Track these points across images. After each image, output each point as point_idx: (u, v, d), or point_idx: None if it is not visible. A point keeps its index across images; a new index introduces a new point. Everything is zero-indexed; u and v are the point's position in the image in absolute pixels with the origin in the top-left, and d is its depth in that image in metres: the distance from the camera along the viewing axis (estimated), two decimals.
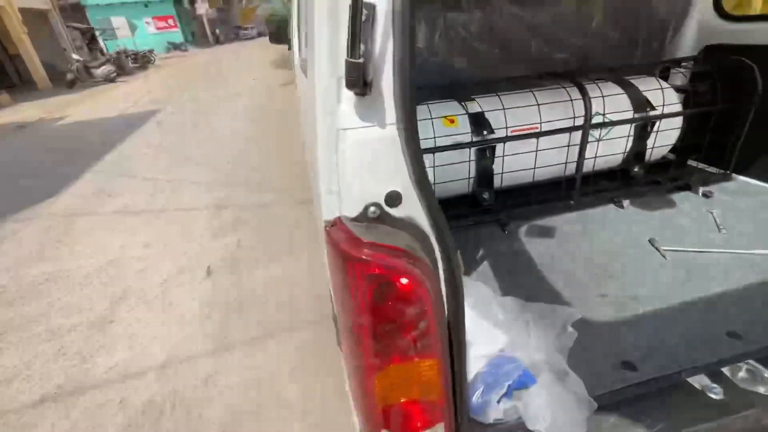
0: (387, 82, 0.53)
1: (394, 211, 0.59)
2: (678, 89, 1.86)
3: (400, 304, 0.55)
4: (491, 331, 0.98)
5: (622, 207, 1.72)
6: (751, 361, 1.03)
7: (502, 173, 1.63)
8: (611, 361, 1.01)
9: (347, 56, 0.48)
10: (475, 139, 1.52)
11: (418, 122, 1.50)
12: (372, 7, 0.50)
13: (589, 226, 1.61)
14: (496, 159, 1.58)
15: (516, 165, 1.62)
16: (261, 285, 2.59)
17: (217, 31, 36.87)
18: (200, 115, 7.91)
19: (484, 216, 1.65)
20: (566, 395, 0.88)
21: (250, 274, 2.72)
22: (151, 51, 20.30)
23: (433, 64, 1.66)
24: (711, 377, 1.01)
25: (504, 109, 1.55)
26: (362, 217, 0.58)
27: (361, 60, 0.48)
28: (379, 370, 0.60)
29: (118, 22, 22.90)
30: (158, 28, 31.48)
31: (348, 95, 0.53)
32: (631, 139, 1.73)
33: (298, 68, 1.83)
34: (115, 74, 13.94)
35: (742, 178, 1.84)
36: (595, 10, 1.73)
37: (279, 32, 3.34)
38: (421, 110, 1.57)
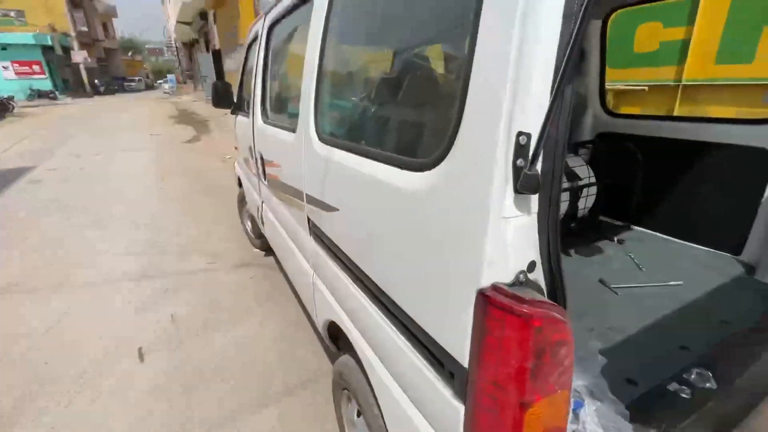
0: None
1: (530, 276, 0.77)
2: (589, 163, 2.47)
3: (555, 346, 0.72)
4: None
5: (570, 255, 2.15)
6: (698, 365, 1.40)
7: None
8: (618, 379, 1.28)
9: (525, 170, 0.68)
10: None
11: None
12: (529, 135, 0.71)
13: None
14: None
15: None
16: (208, 360, 2.36)
17: (96, 81, 33.66)
18: (90, 174, 7.03)
19: None
20: (608, 412, 1.10)
21: (194, 351, 2.45)
22: (10, 98, 17.61)
23: None
24: (678, 382, 1.35)
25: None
26: (515, 282, 0.75)
27: (537, 173, 0.69)
28: (530, 407, 0.74)
29: None
30: (18, 74, 27.47)
31: (510, 193, 0.72)
32: (566, 202, 2.21)
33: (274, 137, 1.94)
34: None
35: (638, 228, 2.48)
36: None
37: (224, 96, 3.37)
38: None
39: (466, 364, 0.82)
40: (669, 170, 2.26)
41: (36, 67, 28.10)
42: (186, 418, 1.96)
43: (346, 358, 1.56)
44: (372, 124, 1.48)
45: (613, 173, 2.34)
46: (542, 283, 0.81)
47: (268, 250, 3.60)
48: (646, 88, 3.68)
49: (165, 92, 34.31)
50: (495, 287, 0.74)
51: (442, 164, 0.84)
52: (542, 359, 0.72)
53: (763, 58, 2.93)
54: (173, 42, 38.67)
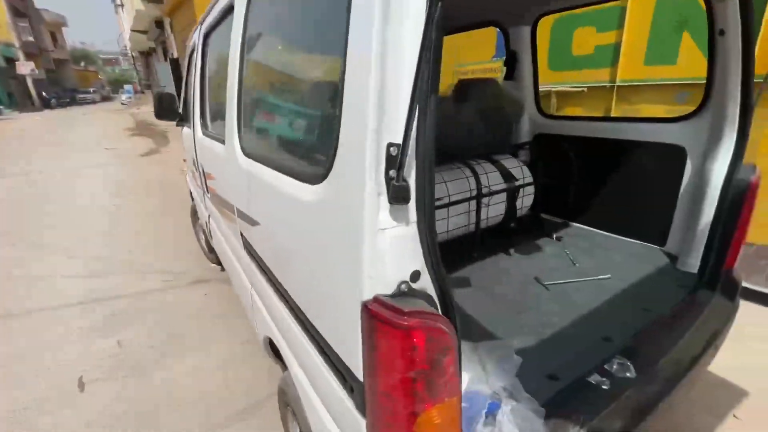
0: (411, 195, 0.74)
1: (415, 285, 0.78)
2: (527, 164, 2.56)
3: (437, 355, 0.72)
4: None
5: (510, 254, 2.21)
6: (618, 355, 1.46)
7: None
8: (539, 375, 1.32)
9: (395, 181, 0.68)
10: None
11: (444, 183, 1.79)
12: (398, 146, 0.72)
13: (492, 271, 2.02)
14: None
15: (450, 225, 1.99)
16: (155, 392, 2.25)
17: (44, 93, 31.78)
18: (39, 196, 6.63)
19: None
20: (524, 411, 1.12)
21: (139, 381, 2.33)
22: None
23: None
24: (600, 374, 1.40)
25: (486, 172, 2.00)
26: (396, 293, 0.75)
27: (406, 184, 0.69)
28: (419, 416, 0.74)
29: None
30: None
31: (385, 204, 0.72)
32: (504, 203, 2.27)
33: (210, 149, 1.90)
34: None
35: (576, 224, 2.58)
36: (464, 110, 2.32)
37: (168, 107, 3.26)
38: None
39: (361, 376, 0.81)
40: (600, 168, 2.36)
41: None
42: None
43: (286, 374, 1.53)
44: (280, 136, 1.46)
45: (551, 173, 2.42)
46: (433, 292, 0.82)
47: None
48: (585, 89, 3.85)
49: (122, 103, 32.94)
50: (376, 299, 0.74)
51: (329, 176, 0.83)
52: (426, 369, 0.72)
53: (684, 59, 3.13)
54: (128, 51, 37.21)
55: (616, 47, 3.56)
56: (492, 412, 1.11)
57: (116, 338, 2.72)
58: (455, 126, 2.29)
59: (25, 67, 28.79)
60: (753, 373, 2.38)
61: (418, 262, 0.78)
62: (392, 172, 0.71)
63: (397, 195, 0.69)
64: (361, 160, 0.71)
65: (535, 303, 1.73)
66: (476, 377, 1.20)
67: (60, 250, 4.29)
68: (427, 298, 0.81)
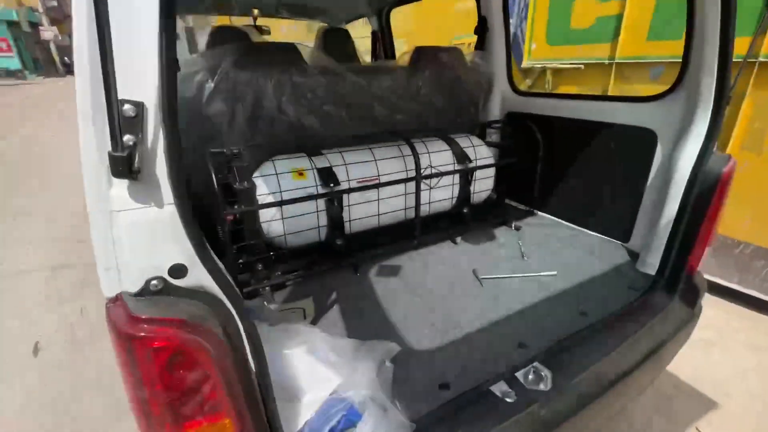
0: (161, 167, 0.58)
1: (180, 282, 0.63)
2: (492, 144, 2.33)
3: (182, 372, 0.58)
4: (324, 374, 1.05)
5: (456, 243, 2.02)
6: (536, 363, 1.29)
7: (350, 221, 1.79)
8: (430, 384, 1.17)
9: (110, 150, 0.53)
10: (322, 191, 1.65)
11: (270, 176, 1.60)
12: (140, 104, 0.56)
13: (429, 261, 1.85)
14: (345, 208, 1.74)
15: (363, 212, 1.80)
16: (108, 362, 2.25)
17: (66, 59, 32.14)
18: (42, 156, 6.73)
19: (339, 260, 1.77)
20: (388, 424, 0.98)
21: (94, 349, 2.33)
22: None
23: (283, 122, 1.77)
24: (508, 384, 1.24)
25: (345, 164, 1.73)
26: (145, 292, 0.61)
27: (124, 153, 0.53)
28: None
29: None
30: None
31: (120, 181, 0.56)
32: (457, 186, 2.07)
33: None
34: None
35: (541, 213, 2.36)
36: (422, 83, 2.09)
37: None
38: (273, 165, 1.65)
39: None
40: (567, 152, 2.12)
41: (2, 45, 26.80)
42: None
43: None
44: None
45: (519, 155, 2.19)
46: (218, 291, 0.67)
47: None
48: (582, 66, 3.51)
49: None
50: (118, 298, 0.60)
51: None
52: (160, 389, 0.58)
53: None
54: None
55: (619, 19, 3.20)
56: (349, 426, 0.98)
57: (81, 305, 2.72)
58: (407, 99, 2.08)
59: (48, 33, 29.11)
60: (733, 382, 2.19)
61: (181, 254, 0.63)
62: (129, 138, 0.55)
63: (116, 166, 0.53)
64: (86, 122, 0.56)
65: (458, 299, 1.57)
66: (346, 383, 1.06)
67: (39, 216, 4.32)
68: (207, 298, 0.66)
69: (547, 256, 1.88)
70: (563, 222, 2.23)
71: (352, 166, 1.74)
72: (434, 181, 1.96)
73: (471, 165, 2.04)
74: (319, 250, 1.79)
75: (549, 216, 2.31)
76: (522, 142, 2.19)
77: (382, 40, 3.50)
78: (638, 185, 1.80)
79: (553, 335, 1.36)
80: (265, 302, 1.55)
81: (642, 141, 1.76)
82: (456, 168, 1.99)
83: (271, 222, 1.64)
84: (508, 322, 1.43)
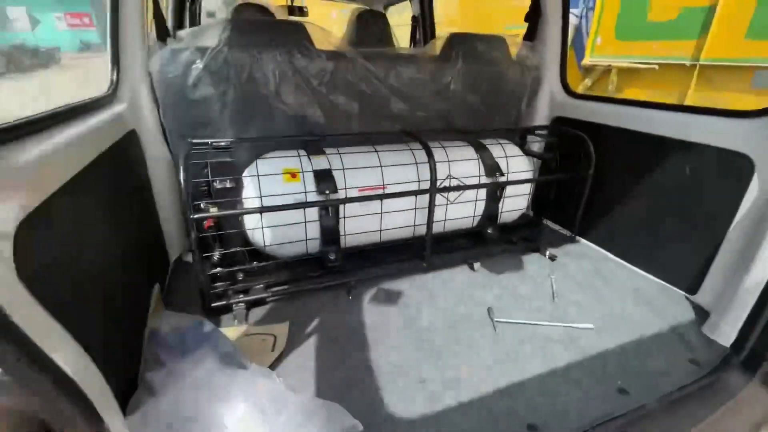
0: None
1: None
2: (533, 155, 1.97)
3: None
4: None
5: (473, 269, 1.71)
6: None
7: (345, 234, 1.53)
8: None
9: None
10: (315, 199, 1.41)
11: (257, 177, 1.37)
12: None
13: (437, 290, 1.56)
14: (342, 219, 1.48)
15: (362, 226, 1.54)
16: None
17: None
18: None
19: (333, 278, 1.53)
20: None
21: None
22: (55, 49, 18.32)
23: (281, 113, 1.54)
24: None
25: (345, 168, 1.47)
26: None
27: None
28: None
29: (16, 12, 20.23)
30: (70, 25, 28.49)
31: None
32: (483, 202, 1.75)
33: None
34: None
35: (584, 241, 1.97)
36: (453, 76, 1.77)
37: None
38: (264, 162, 1.43)
39: None
40: (626, 172, 1.72)
41: (86, 19, 29.04)
42: None
43: None
44: None
45: (567, 169, 1.82)
46: None
47: None
48: (656, 66, 2.98)
49: None
50: None
51: None
52: None
53: None
54: None
55: (710, 12, 2.65)
56: None
57: None
58: (432, 95, 1.77)
59: None
60: None
61: None
62: None
63: None
64: None
65: (462, 347, 1.27)
66: None
67: None
68: None
69: (585, 301, 1.52)
70: (611, 256, 1.83)
71: (355, 170, 1.47)
72: (454, 194, 1.66)
73: (502, 179, 1.70)
74: (309, 263, 1.56)
75: (594, 246, 1.92)
76: (570, 155, 1.81)
77: (423, 26, 3.18)
78: (719, 225, 1.39)
79: (578, 419, 1.04)
80: (236, 320, 1.35)
81: (730, 169, 1.35)
82: (482, 182, 1.67)
83: (255, 230, 1.42)
84: (520, 390, 1.12)
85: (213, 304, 1.34)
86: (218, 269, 1.44)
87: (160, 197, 1.48)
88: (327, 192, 1.41)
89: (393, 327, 1.35)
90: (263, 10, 2.34)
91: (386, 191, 1.52)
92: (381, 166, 1.49)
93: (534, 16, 1.96)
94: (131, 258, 1.24)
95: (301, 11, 3.56)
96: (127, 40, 1.31)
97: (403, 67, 1.66)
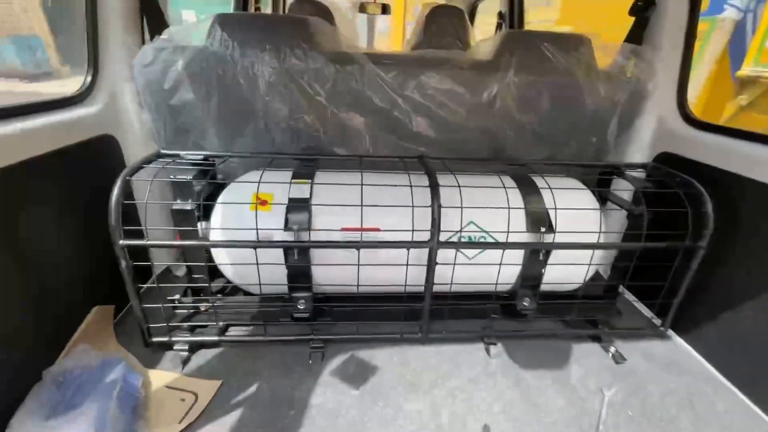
0: None
1: None
2: (616, 202, 1.39)
3: None
4: None
5: (489, 354, 1.26)
6: None
7: (318, 280, 1.22)
8: None
9: None
10: (282, 234, 1.14)
11: (226, 202, 1.17)
12: None
13: (427, 376, 1.16)
14: (311, 264, 1.19)
15: (344, 274, 1.21)
16: None
17: None
18: None
19: (297, 330, 1.25)
20: None
21: None
22: None
23: (273, 125, 1.31)
24: None
25: (327, 204, 1.15)
26: None
27: None
28: None
29: (186, 15, 24.37)
30: None
31: None
32: (520, 263, 1.27)
33: None
34: None
35: (678, 340, 1.33)
36: (500, 89, 1.31)
37: None
38: (236, 185, 1.22)
39: None
40: (759, 250, 1.07)
41: None
42: None
43: None
44: None
45: (662, 227, 1.23)
46: None
47: None
48: None
49: None
50: None
51: None
52: None
53: None
54: None
55: None
56: None
57: None
58: (472, 112, 1.35)
59: None
60: None
61: None
62: None
63: None
64: None
65: None
66: None
67: None
68: None
69: None
70: (718, 376, 1.19)
71: (340, 203, 1.14)
72: (473, 251, 1.22)
73: (546, 239, 1.20)
74: (282, 300, 1.30)
75: (693, 353, 1.28)
76: (674, 210, 1.20)
77: (510, 25, 2.66)
78: None
79: None
80: (171, 362, 1.17)
81: None
82: (514, 240, 1.19)
83: (219, 262, 1.22)
84: None
85: (153, 339, 1.17)
86: (176, 297, 1.28)
87: (138, 197, 1.36)
88: (295, 227, 1.13)
89: (353, 421, 1.02)
90: (319, 6, 2.14)
91: (380, 235, 1.17)
92: (363, 205, 1.13)
93: (643, 8, 1.37)
94: (75, 272, 1.14)
95: (384, 9, 3.32)
96: (106, 34, 1.21)
97: (429, 75, 1.27)
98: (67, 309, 1.13)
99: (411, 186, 1.13)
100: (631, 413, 1.07)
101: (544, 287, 1.30)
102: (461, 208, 1.13)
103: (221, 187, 1.25)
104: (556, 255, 1.25)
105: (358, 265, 1.13)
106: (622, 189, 1.36)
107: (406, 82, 1.27)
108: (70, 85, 1.27)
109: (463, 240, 1.21)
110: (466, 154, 1.44)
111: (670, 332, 1.35)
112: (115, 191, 1.00)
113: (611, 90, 1.36)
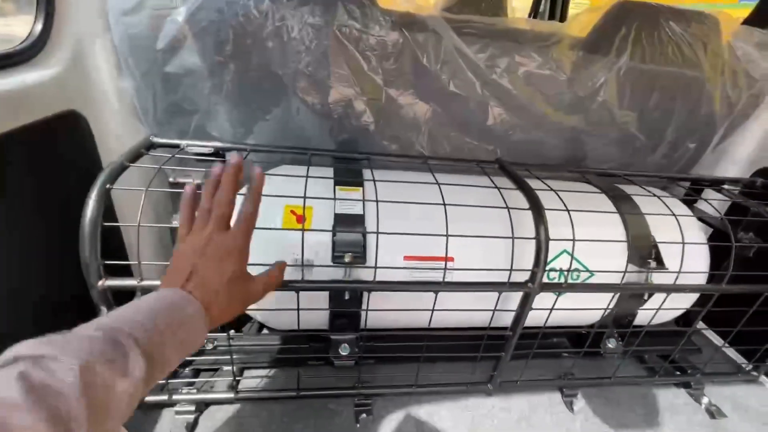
0: None
1: None
2: (709, 224, 1.16)
3: None
4: None
5: (571, 409, 1.03)
6: None
7: (368, 316, 0.93)
8: None
9: None
10: (324, 271, 0.83)
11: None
12: None
13: None
14: (365, 310, 0.89)
15: (401, 318, 0.93)
16: None
17: None
18: None
19: (338, 381, 0.98)
20: None
21: None
22: None
23: (308, 107, 0.96)
24: None
25: (385, 233, 0.82)
26: None
27: None
28: None
29: None
30: None
31: None
32: (610, 296, 1.03)
33: None
34: None
35: None
36: (606, 80, 1.01)
37: None
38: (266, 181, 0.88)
39: None
40: None
41: None
42: None
43: None
44: None
45: (758, 262, 1.01)
46: None
47: None
48: None
49: None
50: None
51: None
52: None
53: None
54: None
55: None
56: None
57: None
58: (562, 103, 1.05)
59: None
60: None
61: None
62: None
63: None
64: None
65: None
66: None
67: None
68: None
69: None
70: None
71: (410, 235, 0.83)
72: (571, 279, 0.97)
73: (662, 280, 0.96)
74: (312, 341, 1.02)
75: None
76: None
77: None
78: None
79: None
80: (171, 429, 0.87)
81: None
82: (628, 282, 0.94)
83: None
84: None
85: (146, 399, 0.87)
86: None
87: (122, 213, 1.00)
88: (347, 259, 0.82)
89: None
90: None
91: (453, 267, 0.88)
92: (448, 235, 0.83)
93: None
94: (26, 306, 0.80)
95: None
96: None
97: (527, 54, 0.96)
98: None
99: (509, 208, 0.83)
100: None
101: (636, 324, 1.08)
102: (572, 240, 0.85)
103: None
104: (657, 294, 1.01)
105: (433, 310, 0.84)
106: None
107: (494, 62, 0.95)
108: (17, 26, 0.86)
109: (553, 275, 0.95)
110: (539, 155, 1.16)
111: (765, 379, 1.18)
112: (90, 208, 0.66)
113: (733, 87, 1.09)
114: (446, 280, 0.81)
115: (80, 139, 0.90)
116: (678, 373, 1.14)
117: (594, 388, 1.09)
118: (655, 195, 1.06)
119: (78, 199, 0.67)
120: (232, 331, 1.04)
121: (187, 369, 0.96)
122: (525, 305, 0.86)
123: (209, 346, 0.99)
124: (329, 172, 0.93)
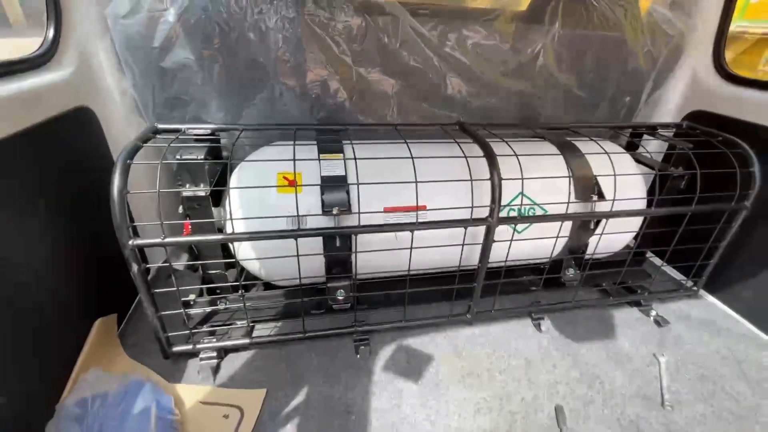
0: None
1: None
2: (645, 164, 1.34)
3: None
4: None
5: (540, 329, 1.21)
6: None
7: (358, 264, 1.09)
8: None
9: None
10: (317, 220, 0.98)
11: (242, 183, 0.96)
12: None
13: (481, 361, 1.10)
14: (355, 252, 1.05)
15: (388, 259, 1.09)
16: None
17: None
18: None
19: (338, 322, 1.13)
20: None
21: None
22: None
23: (288, 89, 1.11)
24: None
25: (364, 183, 0.98)
26: None
27: None
28: None
29: None
30: None
31: None
32: (566, 233, 1.21)
33: None
34: None
35: (712, 299, 1.35)
36: (543, 46, 1.18)
37: None
38: (252, 164, 1.03)
39: None
40: None
41: None
42: None
43: None
44: None
45: (695, 189, 1.20)
46: None
47: None
48: None
49: None
50: None
51: None
52: None
53: None
54: None
55: None
56: None
57: None
58: (510, 72, 1.22)
59: None
60: None
61: None
62: None
63: None
64: None
65: None
66: None
67: None
68: None
69: (709, 410, 0.97)
70: (762, 335, 1.22)
71: (380, 184, 1.00)
72: (523, 224, 1.14)
73: (602, 208, 1.14)
74: (314, 292, 1.17)
75: (730, 311, 1.31)
76: (713, 171, 1.17)
77: None
78: None
79: None
80: (200, 374, 1.01)
81: None
82: (572, 211, 1.11)
83: (242, 256, 1.05)
84: None
85: (174, 349, 1.00)
86: (191, 297, 1.11)
87: (129, 200, 1.14)
88: (335, 212, 0.97)
89: (423, 420, 0.93)
90: None
91: (426, 214, 1.05)
92: (417, 182, 0.99)
93: None
94: (56, 280, 0.93)
95: None
96: None
97: (473, 28, 1.12)
98: (52, 326, 0.92)
99: (466, 157, 1.00)
100: (689, 377, 1.07)
101: (590, 255, 1.26)
102: (521, 179, 1.02)
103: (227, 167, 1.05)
104: (602, 223, 1.19)
105: (411, 248, 1.00)
106: (655, 151, 1.32)
107: (445, 37, 1.11)
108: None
109: (512, 213, 1.12)
110: (497, 119, 1.32)
111: (702, 292, 1.37)
112: (116, 180, 0.79)
113: (654, 45, 1.27)
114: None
115: (91, 132, 1.03)
116: (629, 293, 1.33)
117: (558, 312, 1.27)
118: (594, 141, 1.23)
119: (95, 182, 0.80)
120: (242, 290, 1.18)
121: (205, 325, 1.10)
122: (488, 238, 1.02)
123: (221, 306, 1.13)
124: (313, 143, 1.08)
